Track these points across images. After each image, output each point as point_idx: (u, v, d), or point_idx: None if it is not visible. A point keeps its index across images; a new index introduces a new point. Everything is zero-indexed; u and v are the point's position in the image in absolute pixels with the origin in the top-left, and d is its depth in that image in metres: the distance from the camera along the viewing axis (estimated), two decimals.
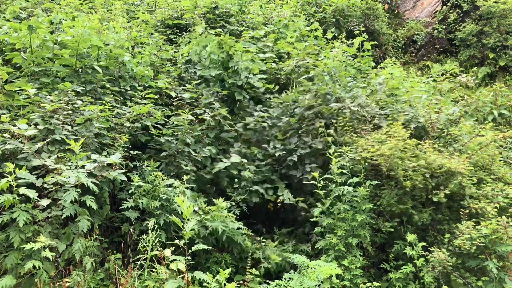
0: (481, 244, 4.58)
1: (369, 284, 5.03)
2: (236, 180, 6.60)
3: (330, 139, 6.25)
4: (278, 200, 6.59)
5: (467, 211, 5.08)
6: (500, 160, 6.30)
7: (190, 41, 9.30)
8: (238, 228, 5.63)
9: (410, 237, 5.04)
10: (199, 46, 8.16)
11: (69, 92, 6.07)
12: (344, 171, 5.83)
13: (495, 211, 4.92)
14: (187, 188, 5.88)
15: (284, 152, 6.79)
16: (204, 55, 8.15)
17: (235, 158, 6.47)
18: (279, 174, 6.94)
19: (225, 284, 3.86)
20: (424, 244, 5.02)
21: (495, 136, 6.04)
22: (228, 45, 7.70)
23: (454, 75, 10.60)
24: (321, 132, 6.52)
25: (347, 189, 5.56)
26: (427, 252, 4.90)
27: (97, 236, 5.09)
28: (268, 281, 4.49)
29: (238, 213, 6.08)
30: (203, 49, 8.17)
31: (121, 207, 5.54)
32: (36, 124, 5.31)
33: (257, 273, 5.11)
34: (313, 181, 5.89)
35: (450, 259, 4.70)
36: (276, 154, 6.83)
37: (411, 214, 5.25)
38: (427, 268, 4.82)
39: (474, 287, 4.63)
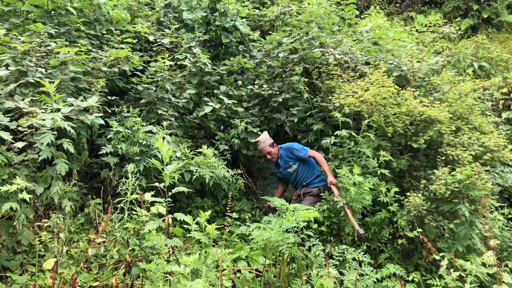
0: (455, 189, 4.71)
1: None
2: (223, 127, 6.54)
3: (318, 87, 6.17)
4: None
5: (443, 158, 5.18)
6: (478, 110, 6.38)
7: None
8: (234, 175, 5.68)
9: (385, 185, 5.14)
10: None
11: (41, 33, 5.79)
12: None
13: (470, 158, 5.03)
14: (170, 134, 5.81)
15: (270, 92, 6.73)
16: None
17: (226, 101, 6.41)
18: (263, 117, 6.90)
19: (205, 226, 3.89)
20: (397, 189, 5.13)
21: (474, 86, 6.09)
22: None
23: (438, 26, 10.49)
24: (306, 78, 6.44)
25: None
26: (403, 197, 5.03)
27: (76, 181, 5.03)
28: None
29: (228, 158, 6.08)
30: None
31: (100, 153, 5.47)
32: (7, 66, 5.08)
33: (237, 216, 5.18)
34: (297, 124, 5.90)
35: (425, 203, 4.84)
36: (265, 94, 6.76)
37: (389, 161, 5.33)
38: (403, 213, 4.97)
39: (446, 229, 4.82)
